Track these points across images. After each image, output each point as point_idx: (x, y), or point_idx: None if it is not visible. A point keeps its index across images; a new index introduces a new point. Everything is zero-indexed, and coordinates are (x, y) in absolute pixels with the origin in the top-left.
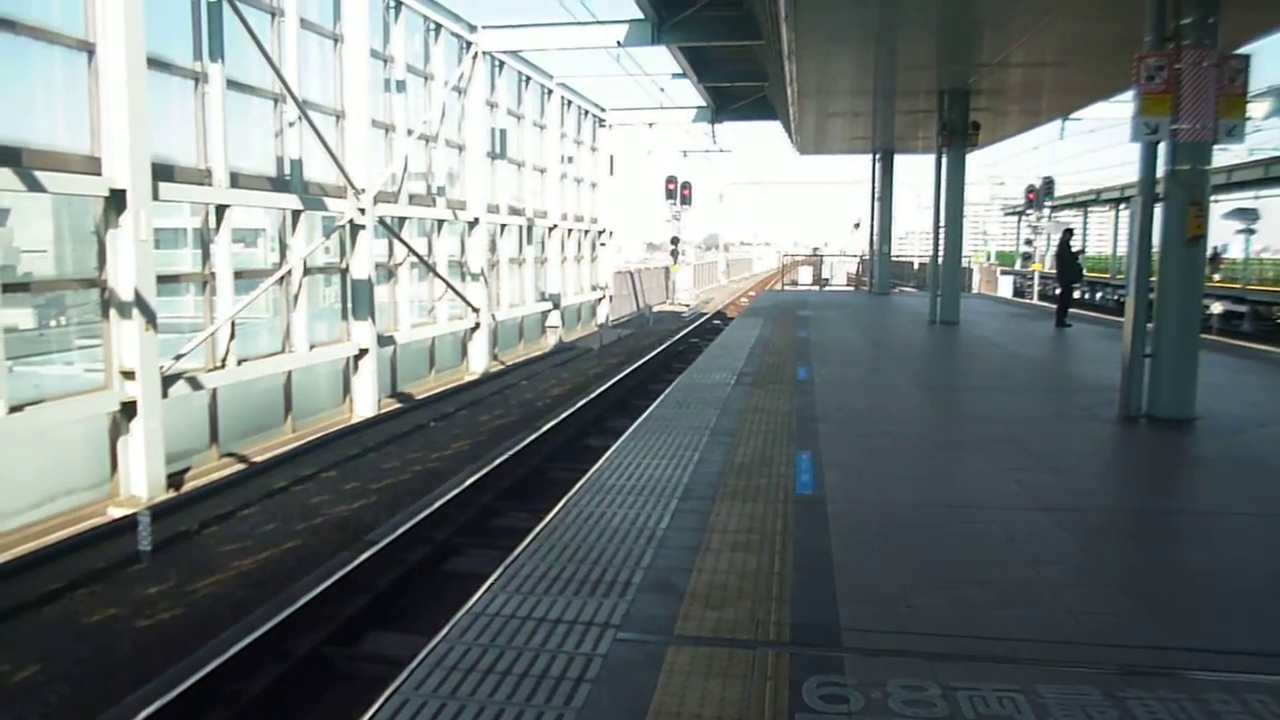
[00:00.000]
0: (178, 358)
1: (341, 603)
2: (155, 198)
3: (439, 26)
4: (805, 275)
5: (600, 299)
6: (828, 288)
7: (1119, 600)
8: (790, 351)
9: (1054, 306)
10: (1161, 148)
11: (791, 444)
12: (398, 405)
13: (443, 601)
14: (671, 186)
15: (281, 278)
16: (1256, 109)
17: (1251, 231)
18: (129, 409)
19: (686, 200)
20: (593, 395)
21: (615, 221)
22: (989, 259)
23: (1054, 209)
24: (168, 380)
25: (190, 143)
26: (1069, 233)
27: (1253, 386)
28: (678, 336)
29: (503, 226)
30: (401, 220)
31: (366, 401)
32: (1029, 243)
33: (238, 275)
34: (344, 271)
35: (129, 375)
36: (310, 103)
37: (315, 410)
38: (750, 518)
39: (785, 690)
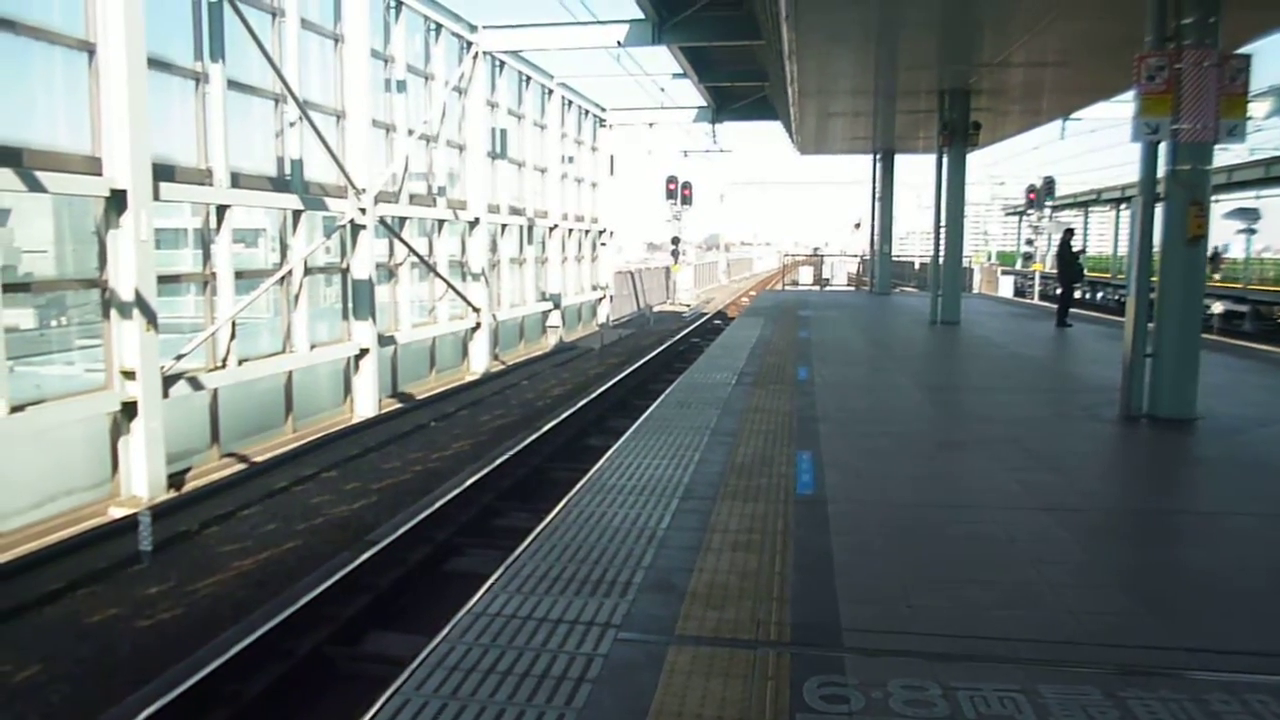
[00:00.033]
0: (178, 358)
1: (342, 603)
2: (156, 198)
3: (439, 26)
4: (806, 275)
5: (601, 299)
6: (828, 288)
7: (1120, 600)
8: (791, 351)
9: (1055, 306)
10: (1162, 147)
11: (792, 444)
12: (398, 405)
13: (444, 601)
14: (672, 186)
15: (282, 278)
16: (1257, 108)
17: (1252, 231)
18: (130, 409)
19: (687, 200)
20: (593, 395)
21: (616, 221)
22: (990, 259)
23: (1055, 209)
24: (168, 380)
25: (191, 143)
26: (1070, 233)
27: (1254, 386)
28: (678, 336)
29: (503, 226)
30: (402, 220)
31: (367, 401)
32: (1030, 243)
33: (238, 275)
34: (345, 271)
35: (130, 375)
36: (311, 103)
37: (316, 410)
38: (751, 518)
39: (786, 690)
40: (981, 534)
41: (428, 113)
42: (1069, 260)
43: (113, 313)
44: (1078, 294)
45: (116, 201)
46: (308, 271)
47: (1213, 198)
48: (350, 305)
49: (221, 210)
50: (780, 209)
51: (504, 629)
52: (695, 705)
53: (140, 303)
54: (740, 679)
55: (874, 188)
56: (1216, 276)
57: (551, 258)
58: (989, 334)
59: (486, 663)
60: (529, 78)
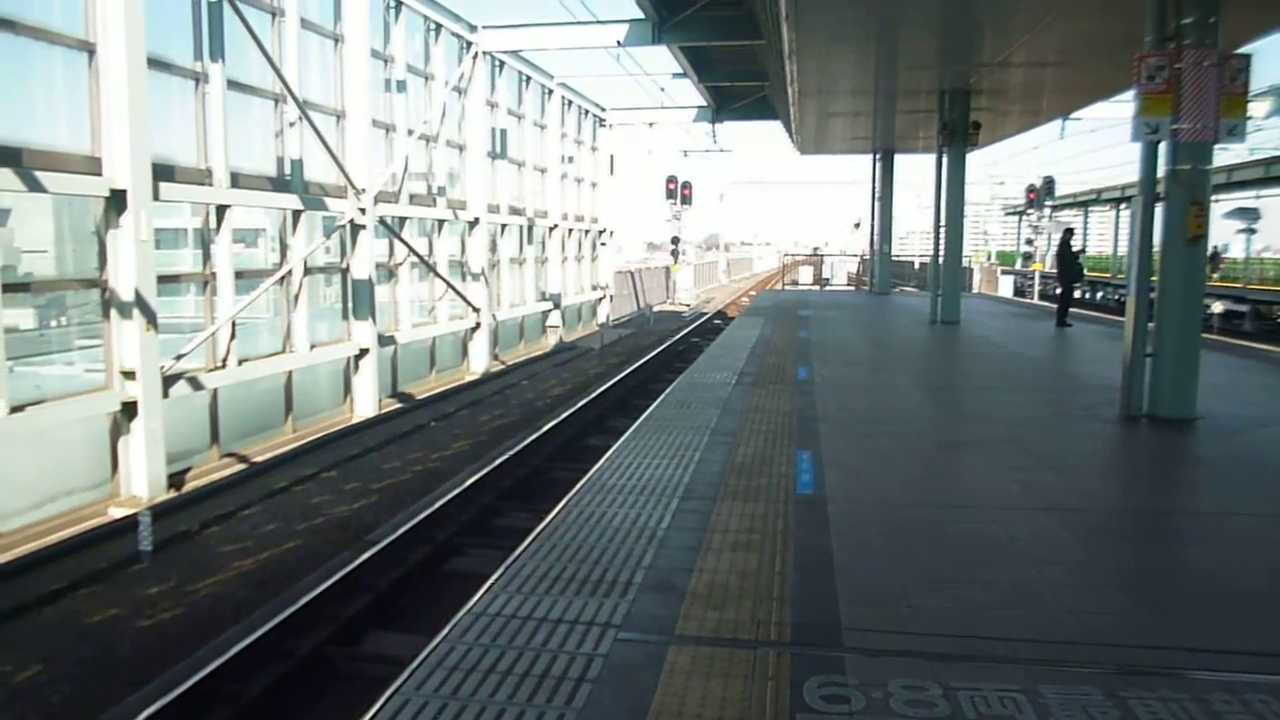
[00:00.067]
0: (178, 358)
1: (342, 603)
2: (156, 198)
3: (439, 26)
4: (806, 275)
5: (601, 299)
6: (828, 287)
7: (1120, 600)
8: (791, 351)
9: (1055, 306)
10: (1162, 147)
11: (792, 444)
12: (398, 405)
13: (444, 601)
14: (672, 186)
15: (282, 278)
16: (1257, 108)
17: (1252, 231)
18: (130, 409)
19: (687, 200)
20: (593, 395)
21: (616, 221)
22: (989, 259)
23: (1054, 208)
24: (168, 380)
25: (191, 143)
26: (1069, 232)
27: (1254, 386)
28: (678, 336)
29: (503, 226)
30: (402, 220)
31: (367, 401)
32: (1029, 242)
33: (238, 275)
34: (344, 271)
35: (129, 375)
36: (311, 103)
37: (316, 410)
38: (751, 517)
39: (786, 690)
40: (982, 534)
41: (428, 113)
42: (1069, 260)
43: (113, 313)
44: (1077, 294)
45: (116, 201)
46: (308, 271)
47: (1212, 197)
48: (350, 305)
49: (221, 210)
50: (780, 209)
51: (504, 629)
52: (695, 705)
53: (140, 303)
54: (740, 679)
55: (874, 187)
56: (1216, 276)
57: (551, 257)
58: (989, 334)
59: (486, 663)
60: (529, 78)
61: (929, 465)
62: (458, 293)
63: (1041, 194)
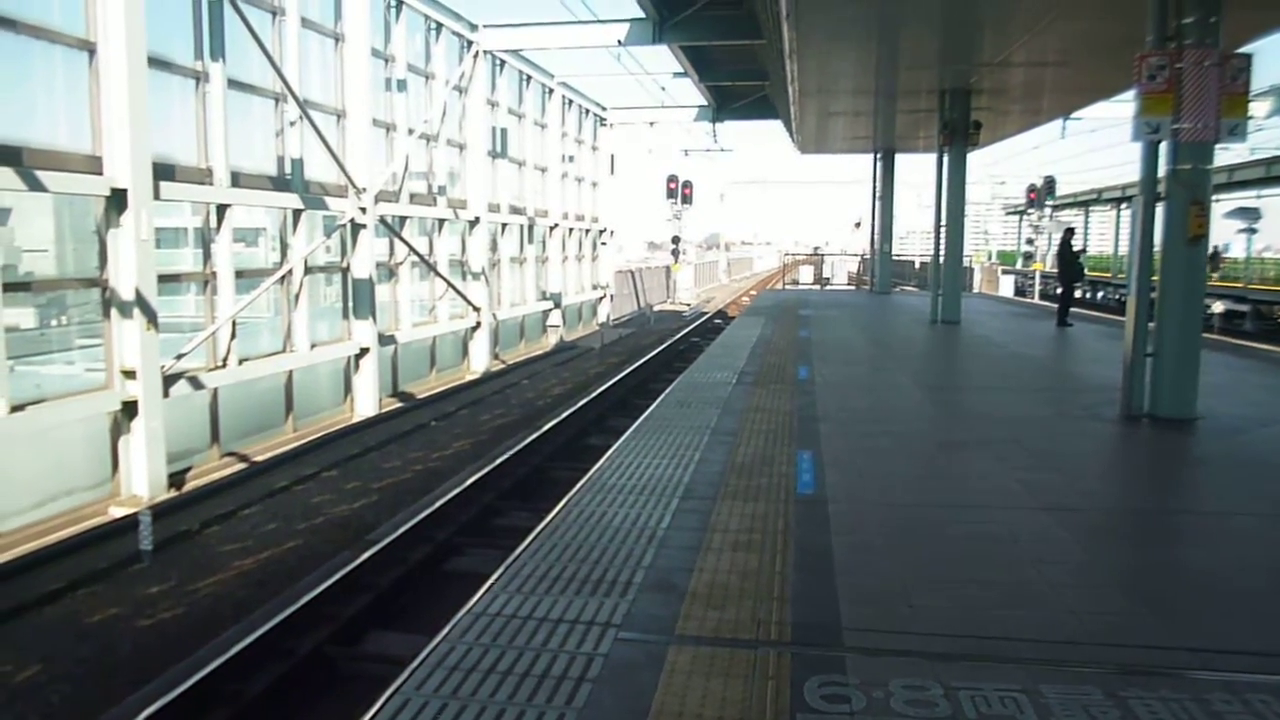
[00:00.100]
0: (179, 357)
1: (343, 602)
2: (156, 197)
3: (440, 25)
4: (806, 274)
5: (601, 298)
6: (829, 287)
7: (1121, 600)
8: (791, 351)
9: (1055, 306)
10: (1163, 147)
11: (793, 443)
12: (399, 404)
13: (444, 601)
14: (672, 185)
15: (282, 277)
16: (1258, 108)
17: (1253, 231)
18: (130, 408)
19: (687, 199)
20: (594, 394)
21: (616, 220)
22: (990, 258)
23: (1055, 208)
24: (169, 380)
25: (191, 142)
26: (1070, 232)
27: (1254, 386)
28: (679, 336)
29: (504, 225)
30: (402, 219)
31: (367, 401)
32: (1030, 242)
33: (239, 274)
34: (345, 271)
35: (130, 375)
36: (311, 102)
37: (316, 410)
38: (751, 517)
39: (787, 690)
40: (982, 533)
41: (428, 112)
42: (1069, 260)
43: (113, 312)
44: (1078, 293)
45: (117, 201)
46: (308, 271)
47: (1213, 197)
48: (350, 304)
49: (222, 209)
50: (781, 208)
51: (504, 629)
52: (695, 705)
53: (141, 302)
54: (741, 679)
55: (874, 187)
56: (1216, 276)
57: (552, 257)
58: (989, 333)
59: (487, 662)
60: (529, 77)
61: (930, 465)
62: (458, 292)
63: (1042, 194)
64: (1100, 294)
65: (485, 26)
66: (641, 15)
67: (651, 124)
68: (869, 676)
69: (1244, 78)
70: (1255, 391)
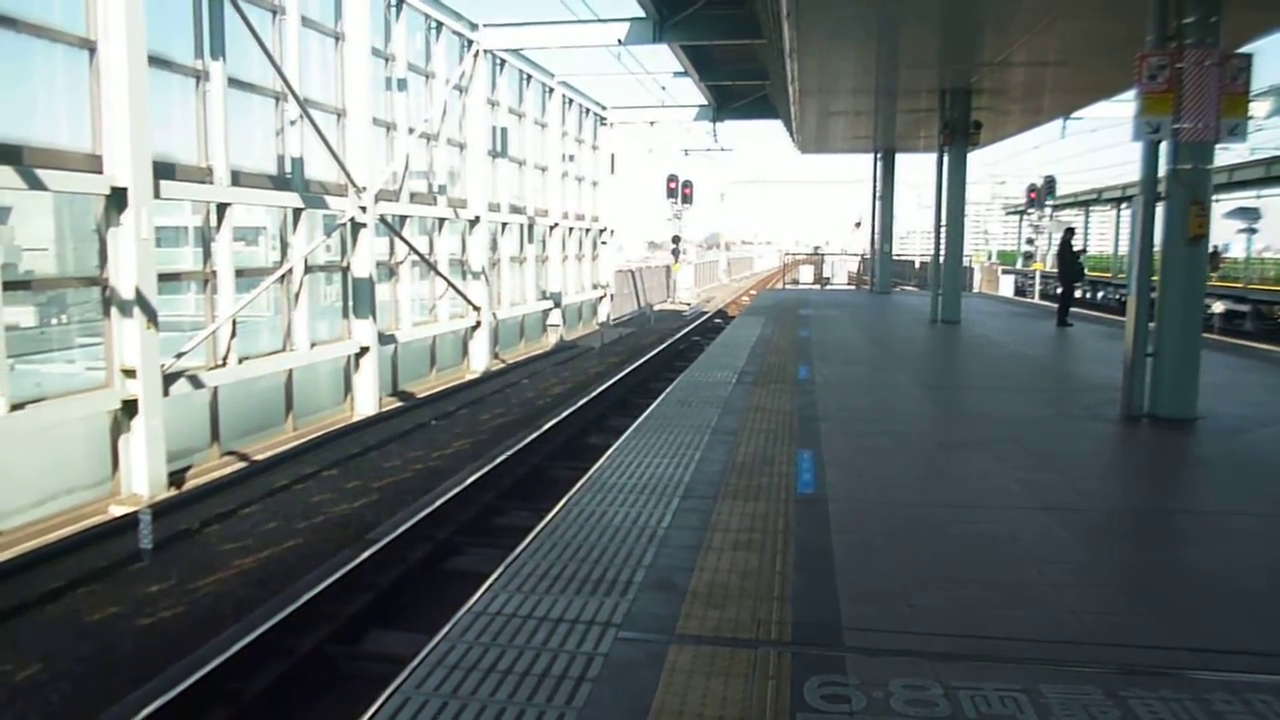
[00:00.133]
0: (179, 356)
1: (343, 601)
2: (156, 196)
3: (440, 25)
4: (806, 274)
5: (601, 297)
6: (829, 287)
7: (1121, 600)
8: (791, 350)
9: (1055, 306)
10: (1163, 147)
11: (793, 443)
12: (399, 404)
13: (444, 600)
14: (673, 185)
15: (282, 276)
16: (1258, 108)
17: (1253, 231)
18: (130, 407)
19: (688, 199)
20: (594, 394)
21: (616, 220)
22: (990, 258)
23: (1055, 208)
24: (169, 378)
25: (191, 141)
26: (1070, 232)
27: (1254, 386)
28: (679, 335)
29: (504, 225)
30: (403, 218)
31: (368, 400)
32: (1030, 242)
33: (239, 273)
34: (345, 270)
35: (130, 373)
36: (311, 101)
37: (316, 408)
38: (752, 516)
39: (787, 690)
40: (983, 533)
41: (428, 111)
42: (1070, 259)
43: (113, 311)
44: (1078, 293)
45: (117, 199)
46: (308, 270)
47: (1213, 197)
48: (351, 303)
49: (222, 208)
50: (781, 208)
51: (504, 628)
52: (696, 704)
53: (141, 301)
54: (741, 678)
55: (874, 187)
56: (1216, 276)
57: (552, 256)
58: (989, 333)
59: (487, 661)
60: (530, 76)
61: (930, 464)
62: (458, 291)
63: (1042, 193)
64: (1100, 294)
65: (485, 26)
66: (642, 14)
67: (652, 123)
68: (869, 676)
69: (1244, 78)
70: (1255, 391)
